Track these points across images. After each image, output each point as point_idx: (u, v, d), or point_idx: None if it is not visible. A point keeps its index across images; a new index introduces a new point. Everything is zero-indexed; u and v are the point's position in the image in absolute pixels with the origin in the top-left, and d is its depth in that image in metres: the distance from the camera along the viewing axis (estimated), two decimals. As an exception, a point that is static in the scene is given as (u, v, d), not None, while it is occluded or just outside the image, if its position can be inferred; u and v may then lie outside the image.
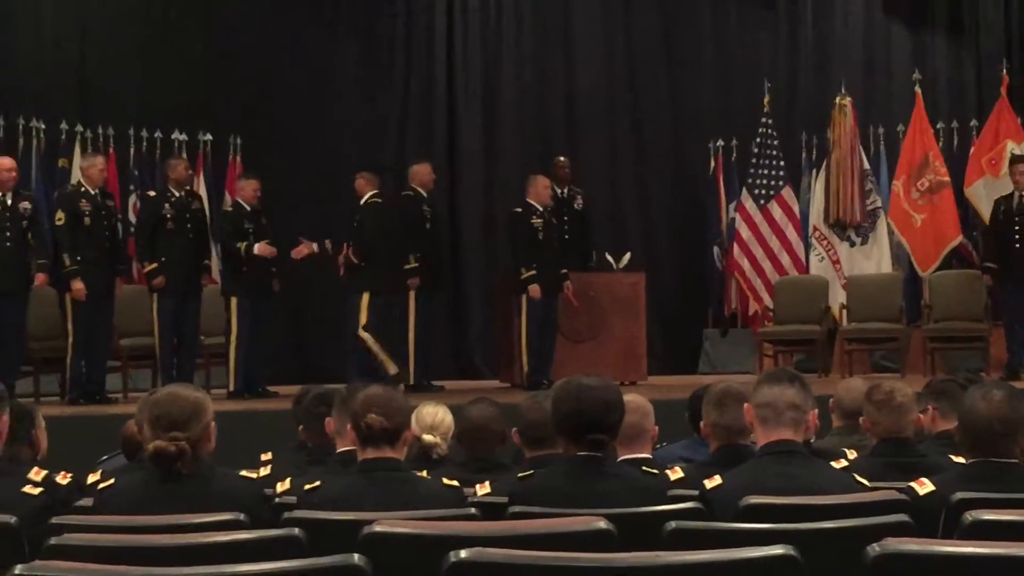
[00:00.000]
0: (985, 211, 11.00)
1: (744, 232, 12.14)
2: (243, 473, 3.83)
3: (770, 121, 12.29)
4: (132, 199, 11.30)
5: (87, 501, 3.77)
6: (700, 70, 13.25)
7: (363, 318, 9.80)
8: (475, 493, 3.81)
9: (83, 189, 9.44)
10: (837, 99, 11.89)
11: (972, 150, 11.87)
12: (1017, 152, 11.11)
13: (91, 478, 4.19)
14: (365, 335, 9.79)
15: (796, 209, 12.16)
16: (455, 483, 3.82)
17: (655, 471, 3.96)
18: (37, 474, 3.75)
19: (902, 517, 3.23)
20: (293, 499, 3.72)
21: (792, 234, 12.09)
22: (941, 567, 2.54)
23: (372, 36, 12.97)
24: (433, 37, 12.96)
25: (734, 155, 12.75)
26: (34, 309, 9.38)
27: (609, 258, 10.76)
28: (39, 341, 9.61)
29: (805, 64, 13.24)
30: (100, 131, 11.36)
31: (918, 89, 12.02)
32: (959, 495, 3.41)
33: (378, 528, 2.92)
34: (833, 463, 4.07)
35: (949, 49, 13.07)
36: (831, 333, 11.19)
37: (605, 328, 10.47)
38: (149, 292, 9.65)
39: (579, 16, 13.18)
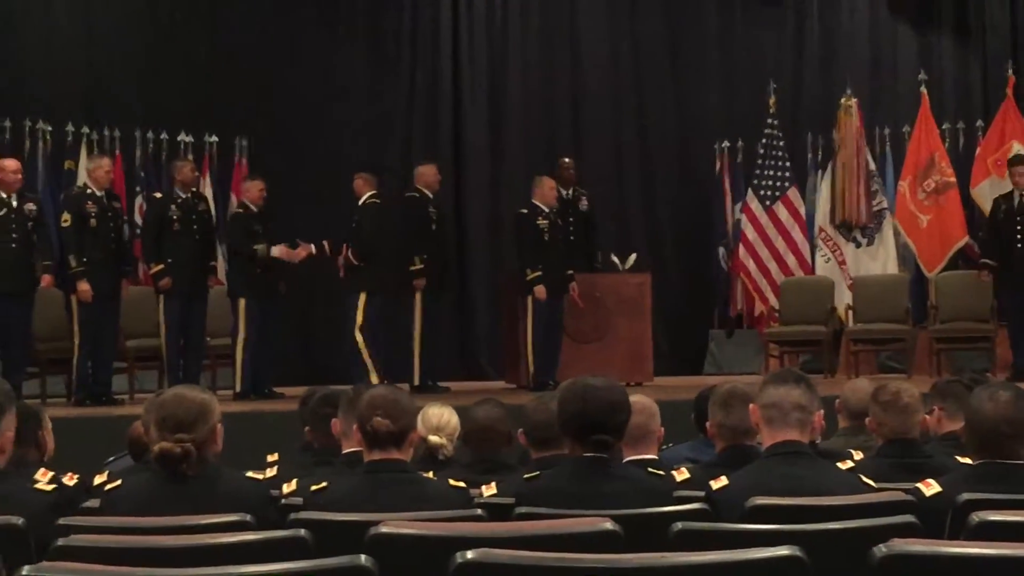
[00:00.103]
0: (990, 212, 11.00)
1: (750, 233, 12.10)
2: (249, 474, 3.84)
3: (776, 122, 12.27)
4: (138, 201, 11.33)
5: (94, 502, 3.77)
6: (705, 71, 13.23)
7: (359, 318, 9.81)
8: (481, 494, 3.80)
9: (89, 191, 9.45)
10: (843, 100, 11.89)
11: (978, 151, 11.88)
12: (1022, 153, 11.09)
13: (98, 479, 4.19)
14: (359, 337, 9.80)
15: (802, 210, 12.12)
16: (461, 484, 3.80)
17: (661, 472, 3.96)
18: (44, 475, 3.75)
19: (908, 518, 3.23)
20: (299, 500, 3.71)
21: (798, 235, 12.05)
22: (948, 568, 2.54)
23: (377, 31, 12.95)
24: (438, 31, 12.92)
25: (740, 156, 12.73)
26: (41, 310, 9.40)
27: (615, 259, 10.76)
28: (45, 342, 9.64)
29: (811, 65, 13.22)
30: (106, 133, 11.39)
31: (924, 90, 12.02)
32: (965, 496, 3.40)
33: (384, 529, 2.92)
34: (839, 464, 4.06)
35: (955, 50, 13.05)
36: (837, 334, 11.17)
37: (611, 329, 10.46)
38: (155, 293, 9.65)
39: (584, 17, 13.15)
